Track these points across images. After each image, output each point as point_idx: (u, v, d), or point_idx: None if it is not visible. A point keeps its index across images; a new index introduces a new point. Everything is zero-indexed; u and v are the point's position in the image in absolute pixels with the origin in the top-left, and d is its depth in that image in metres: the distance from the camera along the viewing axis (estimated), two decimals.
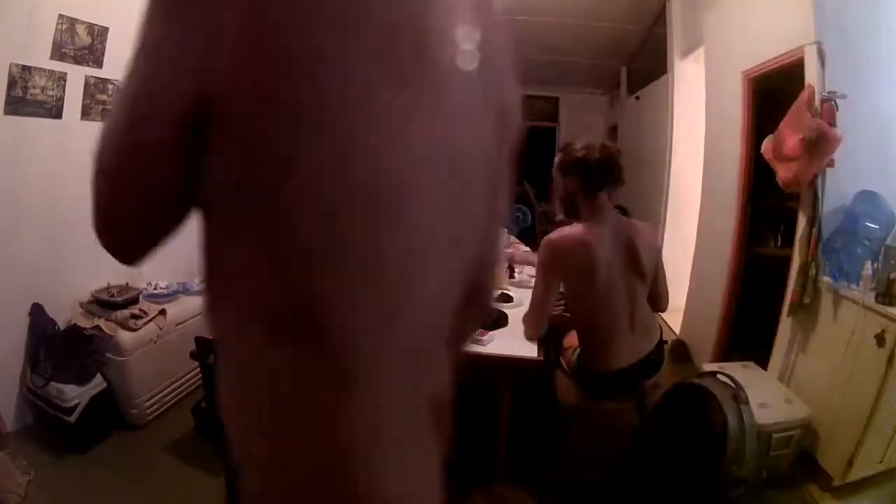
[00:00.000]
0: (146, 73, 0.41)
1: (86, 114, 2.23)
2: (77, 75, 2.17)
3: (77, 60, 2.16)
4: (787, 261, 2.32)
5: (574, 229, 1.71)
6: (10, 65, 1.93)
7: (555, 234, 1.69)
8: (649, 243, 1.75)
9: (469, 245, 0.52)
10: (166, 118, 0.40)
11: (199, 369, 1.28)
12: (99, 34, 2.23)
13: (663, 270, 1.84)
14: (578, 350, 1.86)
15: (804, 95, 2.10)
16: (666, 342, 1.92)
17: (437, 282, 0.48)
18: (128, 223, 0.47)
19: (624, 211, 6.42)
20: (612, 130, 7.20)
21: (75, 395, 1.99)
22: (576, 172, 1.69)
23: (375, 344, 0.45)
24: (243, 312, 0.45)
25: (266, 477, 0.48)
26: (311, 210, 0.39)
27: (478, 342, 1.67)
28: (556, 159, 1.75)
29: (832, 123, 1.98)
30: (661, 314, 2.03)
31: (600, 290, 1.67)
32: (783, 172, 2.19)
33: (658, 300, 1.84)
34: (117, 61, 2.31)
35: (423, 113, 0.42)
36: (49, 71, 2.06)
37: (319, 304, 0.42)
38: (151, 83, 0.41)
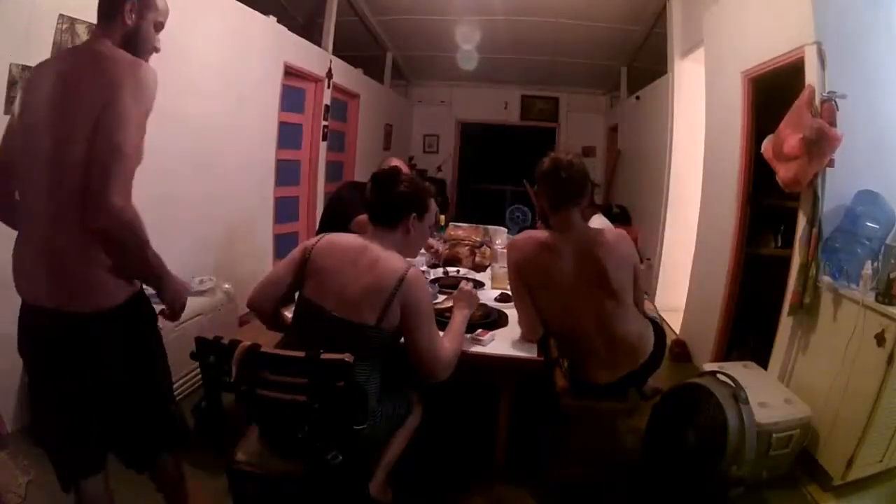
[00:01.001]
0: None
1: None
2: None
3: None
4: (787, 261, 2.32)
5: (538, 233, 1.73)
6: (10, 65, 1.92)
7: (519, 235, 1.74)
8: (621, 257, 1.68)
9: (54, 174, 1.13)
10: None
11: (198, 369, 1.28)
12: None
13: (639, 277, 1.78)
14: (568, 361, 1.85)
15: (804, 95, 2.10)
16: (657, 358, 1.82)
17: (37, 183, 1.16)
18: None
19: (624, 211, 6.44)
20: (612, 130, 7.21)
21: None
22: (541, 186, 1.70)
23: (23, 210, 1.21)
24: None
25: None
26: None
27: (478, 342, 1.66)
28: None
29: (832, 123, 1.98)
30: (661, 313, 2.03)
31: (561, 301, 1.66)
32: (783, 172, 2.19)
33: (636, 305, 1.79)
34: None
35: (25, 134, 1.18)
36: None
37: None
38: None
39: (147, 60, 1.28)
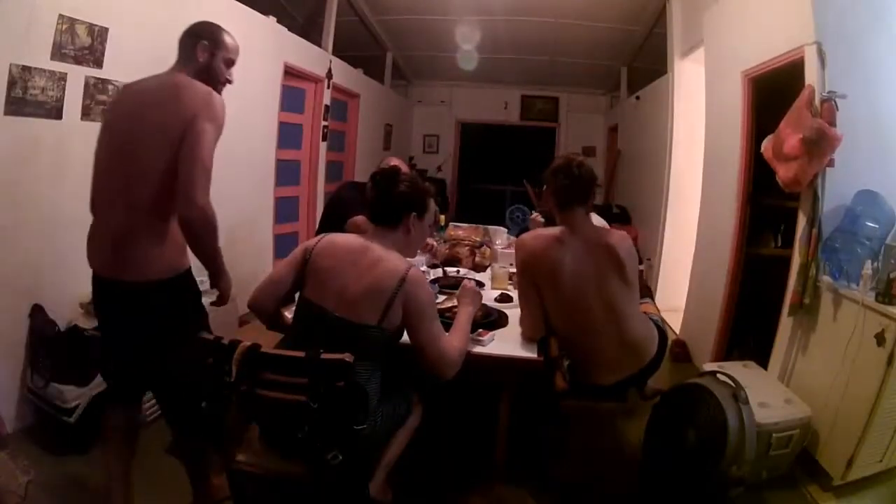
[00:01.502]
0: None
1: (86, 114, 2.23)
2: (77, 76, 2.17)
3: (77, 61, 2.16)
4: (787, 261, 2.32)
5: (548, 230, 1.73)
6: (10, 65, 1.92)
7: (528, 233, 1.73)
8: (631, 255, 1.73)
9: (133, 172, 1.40)
10: None
11: None
12: (99, 34, 2.23)
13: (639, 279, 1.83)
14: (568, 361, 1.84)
15: (804, 95, 2.10)
16: (659, 361, 1.83)
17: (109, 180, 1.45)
18: None
19: (624, 211, 6.45)
20: (612, 130, 7.21)
21: (76, 395, 1.99)
22: (552, 184, 1.72)
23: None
24: None
25: None
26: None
27: (478, 342, 1.66)
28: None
29: (832, 123, 1.98)
30: (661, 313, 2.03)
31: (571, 299, 1.65)
32: (783, 172, 2.19)
33: None
34: (117, 62, 2.31)
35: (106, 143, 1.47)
36: (49, 71, 2.05)
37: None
38: None
39: (220, 90, 1.54)
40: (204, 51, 1.51)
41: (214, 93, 1.44)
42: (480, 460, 1.90)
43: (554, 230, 1.72)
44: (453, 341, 1.43)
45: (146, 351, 1.46)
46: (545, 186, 1.77)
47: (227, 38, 1.55)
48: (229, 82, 1.60)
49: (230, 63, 1.58)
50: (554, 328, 1.75)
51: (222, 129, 1.43)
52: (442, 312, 1.68)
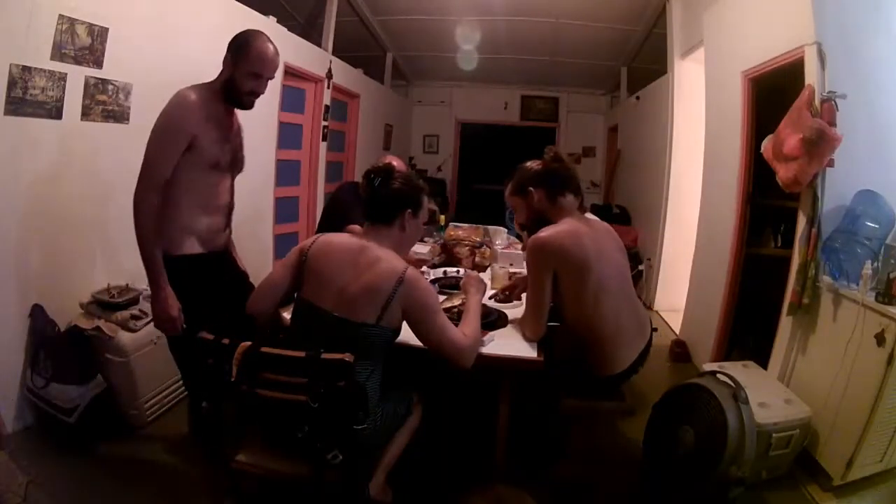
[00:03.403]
0: None
1: (86, 114, 2.23)
2: (77, 76, 2.17)
3: (77, 61, 2.15)
4: (787, 261, 2.32)
5: (561, 225, 1.70)
6: (10, 65, 1.92)
7: (542, 232, 1.67)
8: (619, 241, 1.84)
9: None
10: None
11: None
12: (99, 34, 2.23)
13: None
14: (570, 357, 1.84)
15: (804, 95, 2.10)
16: (656, 329, 1.94)
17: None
18: None
19: (624, 211, 6.42)
20: (612, 130, 7.21)
21: (76, 395, 1.99)
22: (549, 174, 1.75)
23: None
24: None
25: None
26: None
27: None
28: (511, 186, 1.83)
29: (832, 123, 1.98)
30: (661, 313, 2.03)
31: (596, 284, 1.65)
32: (783, 172, 2.19)
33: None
34: (117, 62, 2.31)
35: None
36: (49, 71, 2.05)
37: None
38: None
39: (246, 102, 1.69)
40: (226, 64, 1.61)
41: (181, 92, 1.55)
42: (480, 460, 1.90)
43: (563, 224, 1.70)
44: (464, 329, 1.45)
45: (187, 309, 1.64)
46: (531, 189, 1.75)
47: (255, 51, 1.60)
48: (256, 94, 1.66)
49: (253, 76, 1.63)
50: (571, 323, 1.73)
51: (172, 122, 1.53)
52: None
